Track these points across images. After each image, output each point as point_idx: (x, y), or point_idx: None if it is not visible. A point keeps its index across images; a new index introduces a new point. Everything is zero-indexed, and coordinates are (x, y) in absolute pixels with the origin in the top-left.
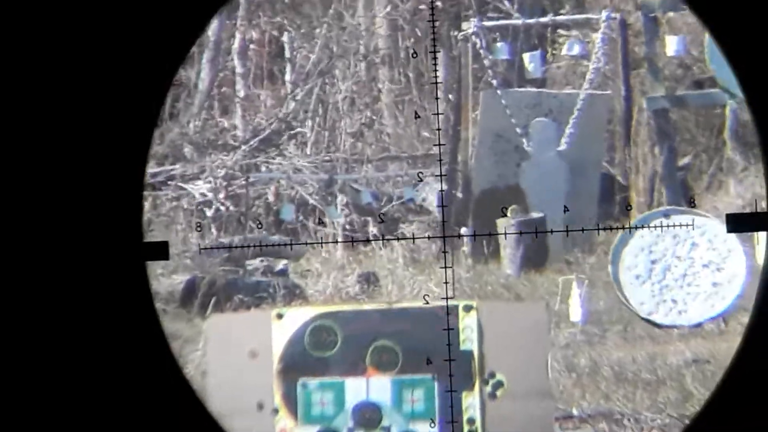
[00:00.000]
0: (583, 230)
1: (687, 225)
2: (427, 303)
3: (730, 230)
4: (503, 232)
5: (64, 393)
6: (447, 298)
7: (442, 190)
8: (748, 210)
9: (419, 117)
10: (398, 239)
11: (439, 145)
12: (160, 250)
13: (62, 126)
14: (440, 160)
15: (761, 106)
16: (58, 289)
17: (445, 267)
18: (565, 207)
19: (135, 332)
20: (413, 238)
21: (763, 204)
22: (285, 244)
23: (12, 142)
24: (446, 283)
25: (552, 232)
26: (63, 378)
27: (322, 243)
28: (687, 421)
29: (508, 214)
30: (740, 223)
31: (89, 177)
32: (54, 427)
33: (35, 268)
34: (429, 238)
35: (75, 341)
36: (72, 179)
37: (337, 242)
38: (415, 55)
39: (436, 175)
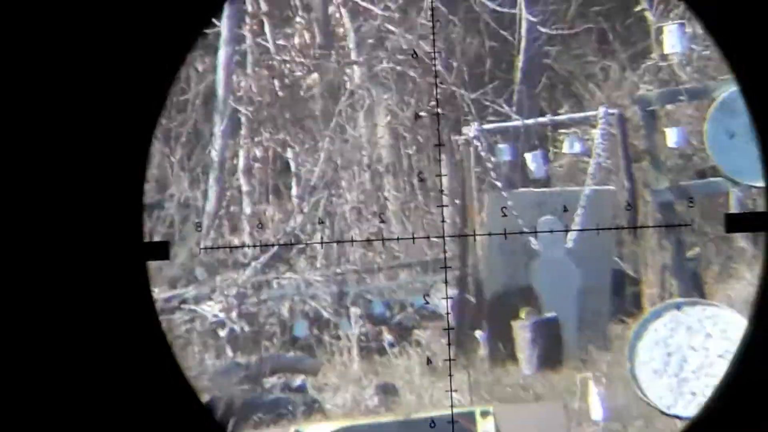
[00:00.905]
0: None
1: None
2: (428, 303)
3: (729, 230)
4: (518, 335)
5: (64, 392)
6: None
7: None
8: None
9: (419, 117)
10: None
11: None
12: (160, 250)
13: (63, 127)
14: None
15: (760, 106)
16: (58, 289)
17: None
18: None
19: (135, 332)
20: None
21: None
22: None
23: (13, 144)
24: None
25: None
26: (63, 377)
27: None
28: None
29: (522, 316)
30: (740, 223)
31: (90, 178)
32: (54, 426)
33: (36, 269)
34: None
35: (75, 341)
36: (73, 180)
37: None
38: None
39: (444, 281)
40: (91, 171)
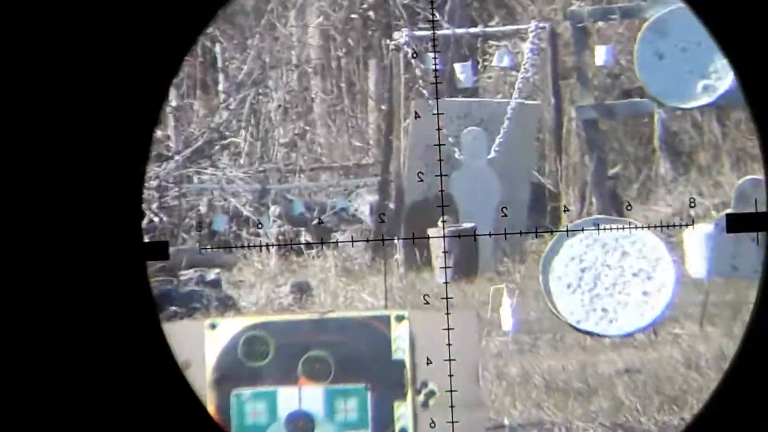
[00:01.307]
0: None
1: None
2: (428, 303)
3: (730, 230)
4: (434, 242)
5: (64, 393)
6: (447, 304)
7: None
8: (677, 218)
9: (419, 117)
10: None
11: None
12: (160, 250)
13: (62, 127)
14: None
15: (760, 106)
16: (58, 289)
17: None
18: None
19: (135, 332)
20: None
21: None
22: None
23: (12, 144)
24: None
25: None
26: (63, 378)
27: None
28: (620, 431)
29: (439, 224)
30: (740, 224)
31: (89, 177)
32: (54, 426)
33: (35, 269)
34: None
35: (75, 341)
36: (72, 180)
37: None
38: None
39: (369, 186)
40: (90, 171)
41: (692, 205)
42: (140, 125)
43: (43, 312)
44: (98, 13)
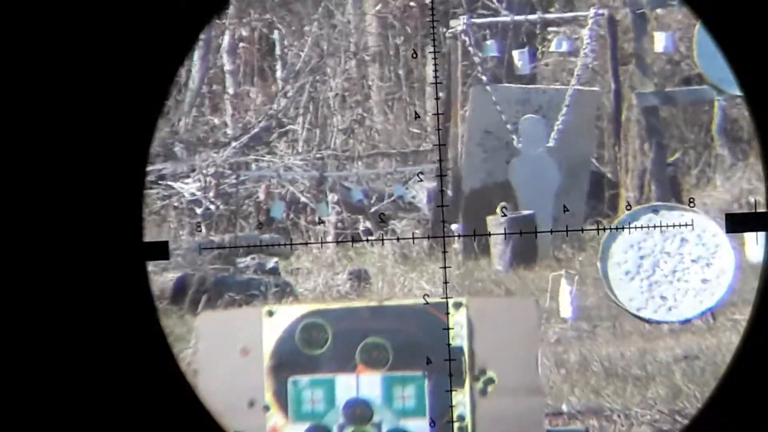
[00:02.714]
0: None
1: (686, 225)
2: (427, 303)
3: (729, 230)
4: (493, 230)
5: (63, 393)
6: (446, 298)
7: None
8: (736, 205)
9: (419, 117)
10: (397, 239)
11: (440, 145)
12: (160, 250)
13: (62, 126)
14: (440, 160)
15: (760, 104)
16: (57, 289)
17: (445, 267)
18: (564, 207)
19: (135, 332)
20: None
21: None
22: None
23: (12, 143)
24: (445, 283)
25: (552, 232)
26: (62, 378)
27: (370, 241)
28: (678, 418)
29: (498, 212)
30: (740, 223)
31: (89, 177)
32: (53, 426)
33: (35, 268)
34: (429, 238)
35: (75, 341)
36: (72, 179)
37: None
38: (414, 56)
39: (420, 172)
40: (90, 170)
41: (691, 204)
42: (141, 124)
43: (43, 312)
44: (99, 15)
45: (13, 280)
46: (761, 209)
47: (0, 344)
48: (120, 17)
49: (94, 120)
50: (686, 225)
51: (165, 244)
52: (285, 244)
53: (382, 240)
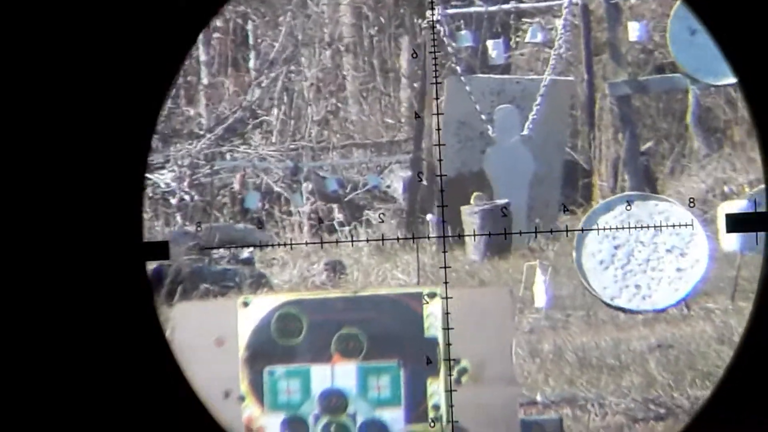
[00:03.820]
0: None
1: (687, 224)
2: (427, 303)
3: (729, 230)
4: (467, 220)
5: (64, 392)
6: (446, 292)
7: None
8: (710, 195)
9: (419, 117)
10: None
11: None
12: (160, 250)
13: (62, 127)
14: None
15: (759, 100)
16: (58, 289)
17: (445, 267)
18: (564, 207)
19: (135, 332)
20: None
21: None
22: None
23: (12, 144)
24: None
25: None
26: (63, 377)
27: (355, 241)
28: (652, 406)
29: (472, 201)
30: (740, 223)
31: (89, 177)
32: (54, 425)
33: (35, 269)
34: (429, 238)
35: (75, 341)
36: (72, 179)
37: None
38: (415, 55)
39: (401, 163)
40: (90, 170)
41: (691, 205)
42: (140, 125)
43: (43, 312)
44: (99, 14)
45: (13, 280)
46: (743, 198)
47: (1, 343)
48: (120, 17)
49: (93, 120)
50: (686, 225)
51: (165, 243)
52: (288, 244)
53: (367, 240)
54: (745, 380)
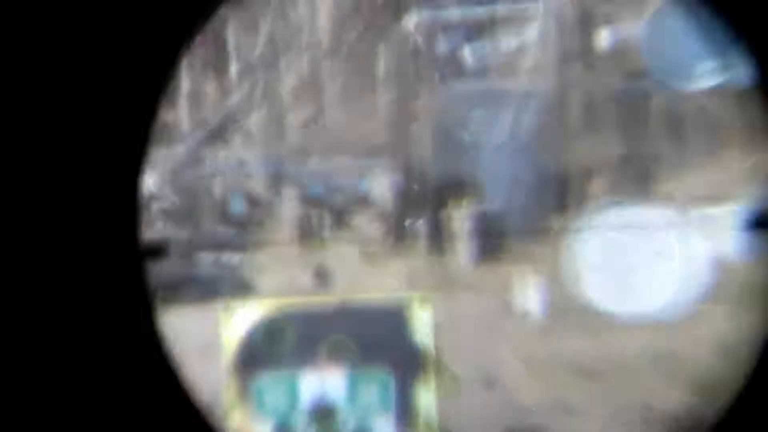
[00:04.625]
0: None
1: (682, 228)
2: (417, 309)
3: (731, 231)
4: (457, 225)
5: (63, 390)
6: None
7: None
8: (707, 199)
9: (400, 120)
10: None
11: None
12: (160, 250)
13: (62, 127)
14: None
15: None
16: (57, 289)
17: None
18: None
19: (134, 331)
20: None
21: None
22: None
23: (12, 144)
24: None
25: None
26: (62, 376)
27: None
28: (646, 412)
29: (461, 206)
30: (740, 224)
31: (89, 177)
32: (53, 424)
33: (35, 269)
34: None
35: (74, 340)
36: (72, 180)
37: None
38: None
39: (385, 168)
40: (90, 170)
41: (687, 208)
42: (139, 125)
43: (43, 312)
44: (98, 14)
45: (14, 280)
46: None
47: (1, 342)
48: (119, 16)
49: (92, 120)
50: (681, 228)
51: (165, 243)
52: (273, 244)
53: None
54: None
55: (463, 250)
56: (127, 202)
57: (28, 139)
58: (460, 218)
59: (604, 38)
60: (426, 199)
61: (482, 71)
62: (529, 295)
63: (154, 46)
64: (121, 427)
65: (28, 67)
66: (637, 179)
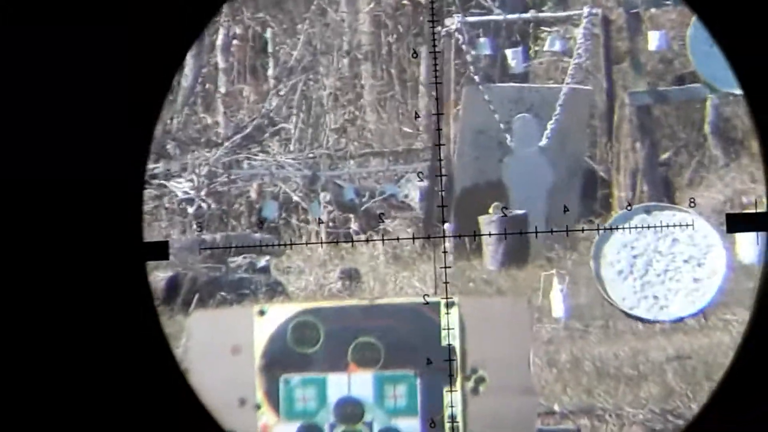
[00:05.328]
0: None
1: (687, 225)
2: (427, 303)
3: (729, 231)
4: (485, 230)
5: (63, 393)
6: (447, 298)
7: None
8: (728, 206)
9: (419, 117)
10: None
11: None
12: (160, 250)
13: (62, 126)
14: (440, 160)
15: (760, 104)
16: (58, 289)
17: (445, 267)
18: (565, 207)
19: (135, 332)
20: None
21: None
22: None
23: (12, 143)
24: (446, 283)
25: (553, 231)
26: (63, 378)
27: (371, 240)
28: (670, 417)
29: (490, 211)
30: (740, 224)
31: (89, 177)
32: (54, 426)
33: (35, 269)
34: (429, 238)
35: (75, 341)
36: (72, 179)
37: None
38: (415, 56)
39: (420, 172)
40: (90, 170)
41: (692, 205)
42: (141, 123)
43: (42, 313)
44: (98, 14)
45: (14, 280)
46: (761, 209)
47: (1, 343)
48: (122, 16)
49: (93, 119)
50: (687, 225)
51: (165, 243)
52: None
53: (383, 239)
54: (743, 384)
55: (490, 254)
56: (128, 203)
57: (29, 139)
58: (489, 222)
59: (652, 41)
60: (456, 203)
61: (524, 75)
62: (555, 299)
63: (156, 45)
64: (120, 427)
65: (29, 67)
66: (663, 185)
